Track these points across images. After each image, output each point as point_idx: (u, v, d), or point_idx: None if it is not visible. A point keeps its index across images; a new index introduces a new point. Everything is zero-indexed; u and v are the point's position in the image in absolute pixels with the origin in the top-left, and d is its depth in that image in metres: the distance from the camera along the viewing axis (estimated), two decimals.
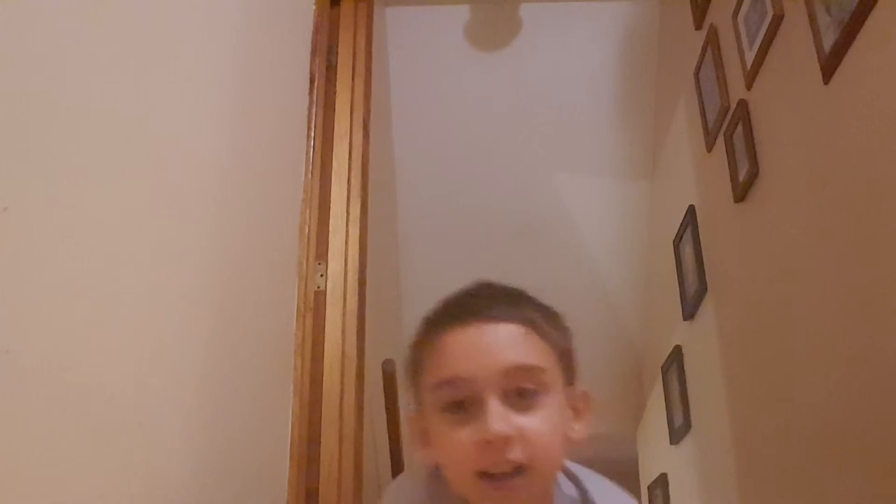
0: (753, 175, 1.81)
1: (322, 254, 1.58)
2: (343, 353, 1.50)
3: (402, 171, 3.06)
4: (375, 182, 1.98)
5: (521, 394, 0.76)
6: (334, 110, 1.74)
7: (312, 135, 1.61)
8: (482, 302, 0.81)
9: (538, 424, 0.75)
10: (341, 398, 1.46)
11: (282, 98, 1.50)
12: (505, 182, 3.13)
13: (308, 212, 1.54)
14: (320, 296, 1.54)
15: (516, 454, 0.74)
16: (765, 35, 1.69)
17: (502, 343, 0.77)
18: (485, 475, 0.74)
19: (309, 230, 1.54)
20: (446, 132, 3.02)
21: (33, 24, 0.65)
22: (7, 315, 0.60)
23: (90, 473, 0.72)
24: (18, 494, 0.61)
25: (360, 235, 1.64)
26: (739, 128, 1.89)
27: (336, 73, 1.78)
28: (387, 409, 2.05)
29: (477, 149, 3.04)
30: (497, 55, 2.88)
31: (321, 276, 1.56)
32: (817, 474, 1.51)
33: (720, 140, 2.07)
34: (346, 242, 1.61)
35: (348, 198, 1.66)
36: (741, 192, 1.90)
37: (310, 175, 1.58)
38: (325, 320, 1.52)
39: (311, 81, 1.65)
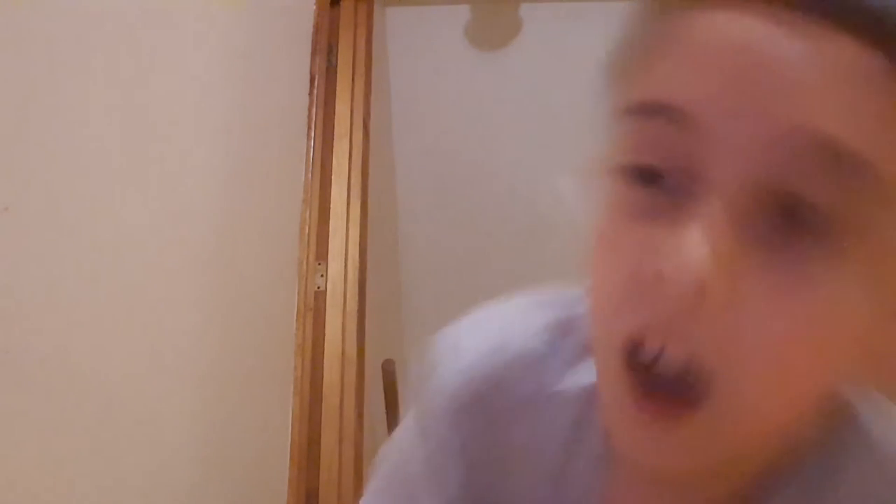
0: None
1: (322, 254, 1.58)
2: (343, 353, 1.50)
3: (402, 171, 3.06)
4: (375, 182, 1.97)
5: (790, 210, 0.31)
6: (334, 110, 1.73)
7: (312, 135, 1.61)
8: None
9: (792, 301, 0.31)
10: (341, 398, 1.46)
11: (282, 98, 1.50)
12: (505, 182, 3.12)
13: (308, 212, 1.55)
14: (320, 296, 1.54)
15: (701, 336, 0.32)
16: None
17: (811, 75, 0.30)
18: (634, 367, 0.35)
19: (309, 230, 1.54)
20: (446, 132, 3.01)
21: (34, 26, 0.65)
22: (7, 315, 0.60)
23: (90, 473, 0.72)
24: (19, 493, 0.61)
25: (360, 235, 1.64)
26: None
27: (336, 73, 1.78)
28: (387, 409, 2.05)
29: (477, 149, 3.03)
30: (497, 55, 2.88)
31: (321, 276, 1.56)
32: None
33: None
34: (346, 242, 1.61)
35: (348, 198, 1.66)
36: None
37: (310, 175, 1.58)
38: (325, 320, 1.52)
39: (311, 81, 1.65)
